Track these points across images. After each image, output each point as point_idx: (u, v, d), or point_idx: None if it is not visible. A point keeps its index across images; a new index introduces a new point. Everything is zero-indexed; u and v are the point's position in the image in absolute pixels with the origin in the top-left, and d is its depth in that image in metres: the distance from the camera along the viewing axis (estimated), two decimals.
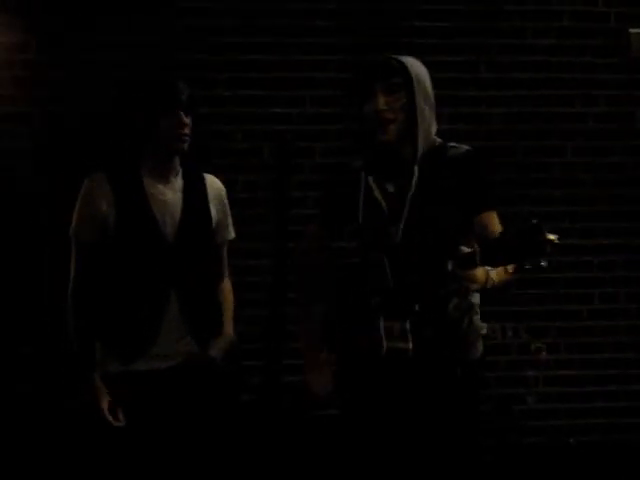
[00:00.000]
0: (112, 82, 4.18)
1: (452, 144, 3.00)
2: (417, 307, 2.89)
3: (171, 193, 3.16)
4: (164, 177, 3.16)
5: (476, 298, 3.00)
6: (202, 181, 3.26)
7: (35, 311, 4.20)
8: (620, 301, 4.52)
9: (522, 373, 4.48)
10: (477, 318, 3.01)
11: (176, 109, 3.10)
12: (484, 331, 3.02)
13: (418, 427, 2.91)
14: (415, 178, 2.93)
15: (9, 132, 4.27)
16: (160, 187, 3.15)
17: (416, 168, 2.94)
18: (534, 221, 2.55)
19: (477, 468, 2.95)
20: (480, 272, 2.76)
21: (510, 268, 2.75)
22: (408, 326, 2.88)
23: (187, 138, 3.12)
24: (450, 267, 2.72)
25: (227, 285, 3.36)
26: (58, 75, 4.29)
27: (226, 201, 3.31)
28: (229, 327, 3.28)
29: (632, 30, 4.51)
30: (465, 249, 2.70)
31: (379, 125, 2.93)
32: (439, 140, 3.01)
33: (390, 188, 3.00)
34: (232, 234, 3.36)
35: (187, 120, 3.12)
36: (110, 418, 3.05)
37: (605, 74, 4.53)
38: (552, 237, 2.54)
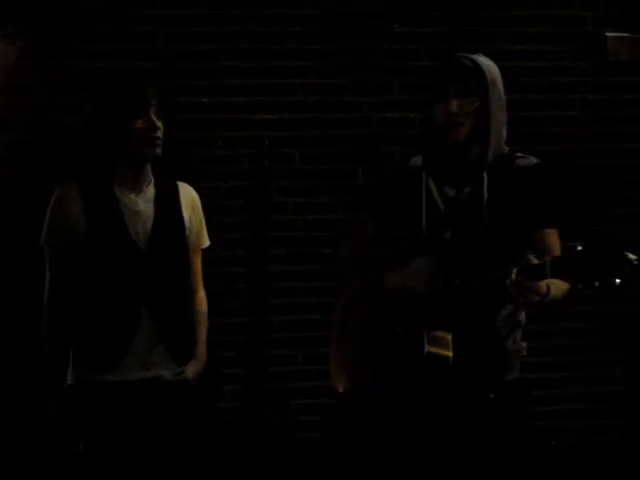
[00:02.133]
0: (84, 89, 4.15)
1: (520, 154, 2.92)
2: (464, 319, 2.80)
3: (143, 202, 3.14)
4: (136, 186, 3.13)
5: (523, 316, 2.92)
6: (175, 189, 3.22)
7: (10, 320, 4.16)
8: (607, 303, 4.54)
9: None
10: (519, 336, 2.93)
11: (147, 112, 3.05)
12: (524, 352, 2.94)
13: (445, 437, 2.83)
14: (485, 184, 2.85)
15: None
16: (132, 196, 3.13)
17: (485, 174, 2.86)
18: (617, 238, 2.48)
19: None
20: (543, 285, 2.63)
21: (565, 285, 2.65)
22: (450, 337, 2.79)
23: (159, 142, 3.08)
24: (514, 276, 2.61)
25: (201, 294, 3.31)
26: (29, 82, 4.25)
27: (200, 209, 3.28)
28: (202, 349, 3.23)
29: (609, 34, 4.53)
30: (534, 259, 2.61)
31: (449, 128, 2.84)
32: (507, 148, 2.93)
33: (449, 192, 2.92)
34: (207, 242, 3.32)
35: (159, 124, 3.08)
36: (68, 445, 3.04)
37: (582, 78, 4.54)
38: (632, 257, 2.46)
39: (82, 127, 3.90)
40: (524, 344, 2.94)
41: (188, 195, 3.25)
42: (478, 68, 2.86)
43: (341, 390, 2.98)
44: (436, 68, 2.95)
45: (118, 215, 3.09)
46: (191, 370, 3.16)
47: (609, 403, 4.50)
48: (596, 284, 2.47)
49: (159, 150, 3.09)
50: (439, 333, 2.80)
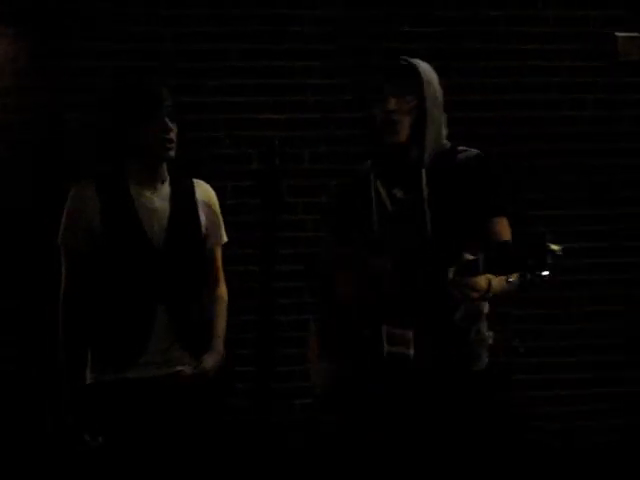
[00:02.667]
0: (97, 89, 4.16)
1: (462, 147, 2.98)
2: (423, 315, 2.85)
3: (158, 200, 3.16)
4: (151, 184, 3.15)
5: (485, 307, 2.97)
6: (191, 187, 3.25)
7: (26, 320, 4.17)
8: (610, 302, 4.54)
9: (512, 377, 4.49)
10: (484, 327, 2.97)
11: (161, 115, 3.09)
12: (490, 341, 2.97)
13: (415, 434, 2.88)
14: (424, 182, 2.91)
15: None
16: (147, 194, 3.15)
17: (423, 172, 2.92)
18: (540, 230, 2.53)
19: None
20: (482, 280, 2.70)
21: (513, 277, 2.68)
22: (411, 335, 2.85)
23: (173, 144, 3.11)
24: (450, 275, 2.68)
25: (222, 290, 3.35)
26: (42, 83, 4.26)
27: (217, 206, 3.30)
28: (220, 343, 3.26)
29: (619, 34, 4.52)
30: (469, 256, 2.66)
31: (387, 127, 2.91)
32: (449, 143, 2.99)
33: (398, 193, 2.98)
34: (224, 238, 3.35)
35: (172, 126, 3.11)
36: (88, 438, 3.04)
37: (593, 78, 4.54)
38: (555, 248, 2.51)
39: (97, 127, 3.93)
40: (490, 333, 2.98)
41: (204, 192, 3.28)
42: (413, 69, 2.96)
43: (319, 390, 3.06)
44: (373, 71, 3.06)
45: (134, 213, 3.11)
46: (209, 362, 3.18)
47: (610, 404, 4.50)
48: (528, 277, 2.54)
49: (173, 152, 3.13)
50: (399, 331, 2.86)
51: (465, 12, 4.49)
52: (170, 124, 3.10)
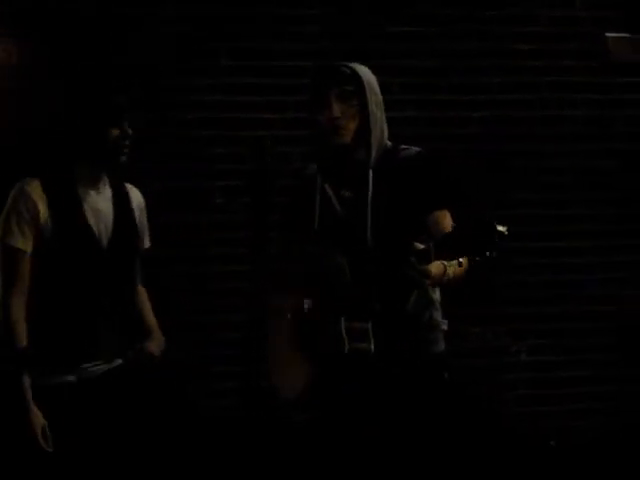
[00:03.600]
0: (54, 90, 4.13)
1: (403, 146, 3.08)
2: (378, 307, 2.94)
3: (103, 201, 3.20)
4: (95, 186, 3.19)
5: (436, 294, 3.08)
6: (126, 190, 3.31)
7: None
8: (600, 303, 4.55)
9: (502, 376, 4.49)
10: (437, 314, 3.08)
11: (122, 121, 3.15)
12: (445, 327, 3.08)
13: (383, 427, 2.96)
14: (370, 182, 3.00)
15: None
16: (93, 195, 3.18)
17: (370, 172, 3.02)
18: (486, 213, 2.65)
19: (445, 460, 3.01)
20: (436, 267, 2.83)
21: (464, 262, 2.79)
22: (369, 326, 2.93)
23: (128, 150, 3.17)
24: (412, 262, 2.78)
25: (142, 289, 3.40)
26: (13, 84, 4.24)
27: (145, 210, 3.37)
28: (157, 328, 3.34)
29: (609, 34, 4.53)
30: (419, 245, 2.76)
31: (333, 131, 3.00)
32: (390, 143, 3.09)
33: (346, 193, 3.07)
34: (148, 243, 3.40)
35: (130, 132, 3.17)
36: (42, 441, 3.02)
37: (583, 78, 4.55)
38: (501, 228, 2.62)
39: (48, 127, 3.90)
40: (444, 320, 3.09)
41: (136, 196, 3.34)
42: (355, 74, 3.04)
43: (282, 392, 3.11)
44: (314, 77, 3.10)
45: (82, 213, 3.14)
46: (153, 347, 3.25)
47: (605, 403, 4.51)
48: (477, 258, 2.66)
49: (126, 157, 3.19)
50: (357, 325, 2.93)
51: (458, 12, 4.49)
52: (129, 130, 3.16)
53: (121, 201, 3.25)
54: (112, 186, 3.24)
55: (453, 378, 3.09)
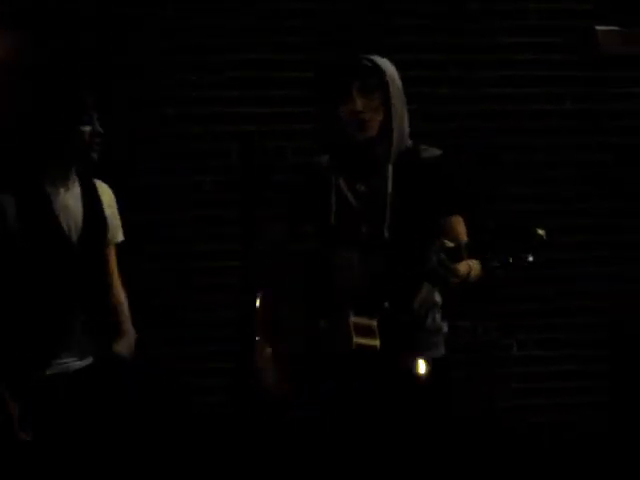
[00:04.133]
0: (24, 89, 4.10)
1: (424, 146, 3.04)
2: (386, 305, 2.92)
3: (72, 199, 3.23)
4: (64, 183, 3.21)
5: (437, 297, 3.06)
6: (94, 187, 3.33)
7: None
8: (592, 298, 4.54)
9: (494, 370, 4.49)
10: (439, 317, 3.07)
11: (92, 119, 3.18)
12: (445, 329, 3.07)
13: (386, 425, 2.95)
14: (390, 177, 2.97)
15: None
16: (62, 193, 3.21)
17: (390, 167, 2.98)
18: (526, 216, 2.58)
19: (446, 463, 3.00)
20: (463, 266, 2.79)
21: (478, 266, 2.79)
22: (376, 323, 2.90)
23: (99, 148, 3.20)
24: (435, 259, 2.73)
25: (118, 283, 3.40)
26: None
27: (115, 205, 3.38)
28: (129, 324, 3.35)
29: (598, 27, 4.52)
30: (449, 243, 2.73)
31: (357, 126, 2.95)
32: (410, 141, 3.05)
33: (361, 187, 3.03)
34: (121, 237, 3.41)
35: (101, 130, 3.19)
36: (20, 432, 3.05)
37: (571, 72, 4.54)
38: (541, 232, 2.59)
39: (15, 125, 3.86)
40: (444, 323, 3.08)
41: (106, 192, 3.36)
42: (377, 67, 2.99)
43: (279, 392, 3.09)
44: (335, 68, 3.07)
45: (51, 211, 3.16)
46: (123, 345, 3.29)
47: (593, 397, 4.50)
48: (510, 260, 2.61)
49: (96, 155, 3.21)
50: (364, 321, 2.90)
51: (447, 7, 4.48)
52: (100, 129, 3.19)
53: (90, 197, 3.28)
54: (81, 183, 3.27)
55: (452, 382, 3.10)
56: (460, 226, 2.95)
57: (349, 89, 2.96)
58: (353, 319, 2.90)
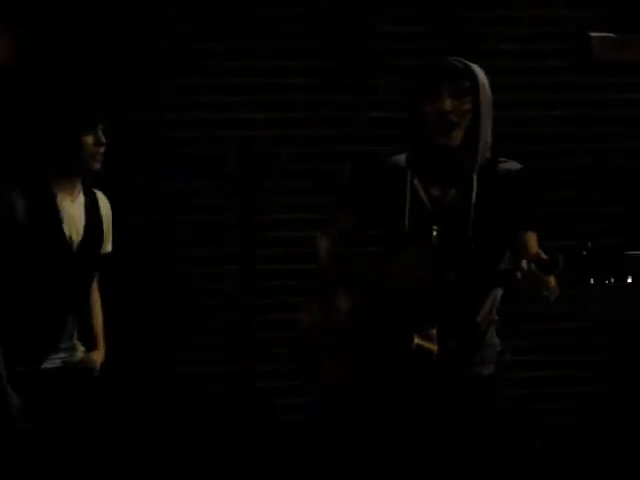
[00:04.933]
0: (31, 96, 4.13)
1: (503, 159, 2.97)
2: (450, 312, 2.85)
3: (77, 208, 3.29)
4: (70, 192, 3.28)
5: (494, 315, 2.99)
6: (96, 198, 3.39)
7: None
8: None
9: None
10: (494, 333, 3.00)
11: (96, 129, 3.21)
12: (499, 348, 3.01)
13: (430, 431, 2.90)
14: (474, 186, 2.89)
15: None
16: (68, 201, 3.27)
17: (475, 177, 2.91)
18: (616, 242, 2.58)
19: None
20: (553, 280, 2.74)
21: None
22: (435, 329, 2.85)
23: (102, 157, 3.24)
24: (525, 267, 2.69)
25: (96, 293, 3.50)
26: None
27: (110, 215, 3.43)
28: (102, 338, 3.48)
29: (593, 34, 4.55)
30: (543, 255, 2.70)
31: (442, 127, 2.86)
32: (489, 153, 2.97)
33: (435, 191, 2.96)
34: (110, 248, 3.47)
35: (104, 140, 3.23)
36: (20, 423, 3.14)
37: (566, 78, 4.56)
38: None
39: (25, 134, 3.88)
40: (498, 340, 3.01)
41: (103, 202, 3.42)
42: (469, 70, 2.91)
43: (328, 384, 3.02)
44: (425, 68, 2.97)
45: (57, 217, 3.23)
46: (97, 357, 3.43)
47: (594, 404, 4.52)
48: (611, 280, 2.58)
49: (99, 165, 3.25)
50: (427, 327, 2.84)
51: (443, 12, 4.50)
52: (103, 138, 3.23)
53: (92, 207, 3.34)
54: (85, 193, 3.33)
55: (500, 402, 3.05)
56: (535, 242, 2.89)
57: (439, 89, 2.85)
58: (416, 321, 2.84)
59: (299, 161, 4.41)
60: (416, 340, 2.83)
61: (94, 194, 3.38)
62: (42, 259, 3.22)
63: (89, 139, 3.21)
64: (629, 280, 2.56)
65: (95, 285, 3.47)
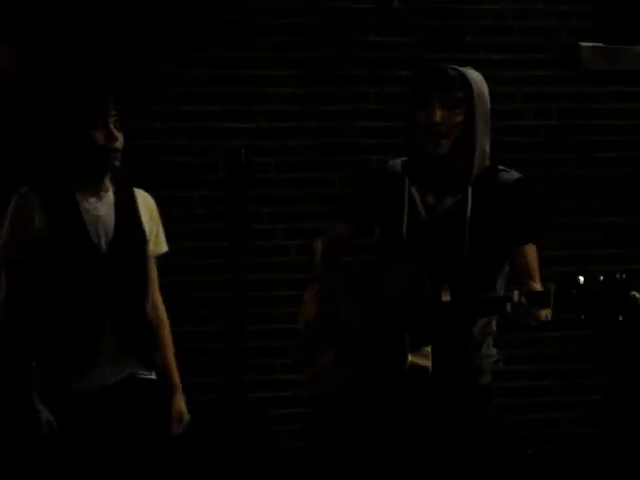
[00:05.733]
0: (43, 98, 4.12)
1: (502, 168, 2.91)
2: (446, 327, 2.80)
3: (103, 208, 3.13)
4: (96, 192, 3.13)
5: (494, 324, 2.95)
6: (133, 196, 3.23)
7: None
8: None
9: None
10: (491, 343, 2.95)
11: (106, 123, 3.06)
12: (496, 357, 2.97)
13: (428, 447, 2.85)
14: (470, 198, 2.83)
15: None
16: (92, 202, 3.12)
17: (470, 189, 2.84)
18: (622, 275, 2.45)
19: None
20: (546, 312, 2.64)
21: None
22: (430, 345, 2.79)
23: (118, 153, 3.08)
24: (516, 299, 2.63)
25: (159, 300, 3.30)
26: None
27: (158, 215, 3.28)
28: (169, 340, 3.26)
29: (583, 44, 4.56)
30: (537, 285, 2.65)
31: (431, 137, 2.80)
32: (488, 161, 2.91)
33: (431, 200, 2.90)
34: (165, 248, 3.30)
35: (117, 134, 3.07)
36: (48, 442, 3.00)
37: (556, 88, 4.57)
38: (638, 296, 2.46)
39: (40, 134, 3.88)
40: (495, 350, 2.97)
41: (146, 202, 3.26)
42: (464, 80, 2.82)
43: (327, 385, 2.97)
44: (419, 76, 2.90)
45: (79, 219, 3.08)
46: (181, 403, 3.23)
47: (590, 412, 4.53)
48: (604, 320, 2.51)
49: (117, 162, 3.10)
50: (422, 343, 2.78)
51: (432, 23, 4.50)
52: (115, 132, 3.07)
53: (125, 206, 3.16)
54: (116, 191, 3.17)
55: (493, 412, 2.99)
56: (533, 256, 2.82)
57: (431, 99, 2.78)
58: (410, 338, 2.77)
59: (287, 170, 4.41)
60: (410, 358, 2.77)
61: (130, 193, 3.20)
62: (68, 264, 3.04)
63: (99, 134, 3.05)
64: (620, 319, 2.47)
65: (154, 294, 3.25)
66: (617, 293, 2.46)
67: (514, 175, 2.90)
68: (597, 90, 4.59)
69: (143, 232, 3.19)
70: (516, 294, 2.65)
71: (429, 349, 2.78)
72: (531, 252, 2.84)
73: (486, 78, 4.42)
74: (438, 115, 2.78)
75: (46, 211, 3.06)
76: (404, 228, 2.88)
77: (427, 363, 2.78)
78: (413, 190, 2.90)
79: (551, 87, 4.56)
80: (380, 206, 2.95)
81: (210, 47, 4.37)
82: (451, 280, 2.78)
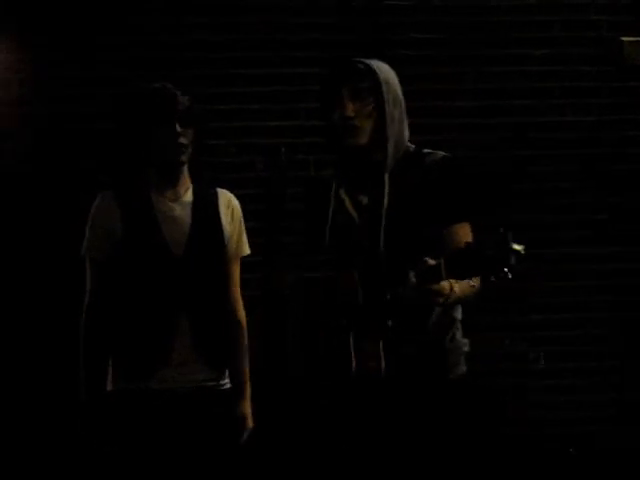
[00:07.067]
0: (111, 98, 4.17)
1: (427, 150, 2.87)
2: (390, 324, 2.73)
3: (180, 208, 3.14)
4: (172, 192, 3.15)
5: (458, 313, 2.87)
6: (214, 196, 3.22)
7: (46, 329, 4.17)
8: (616, 309, 4.52)
9: (520, 382, 4.47)
10: (459, 334, 2.88)
11: (171, 119, 3.07)
12: (467, 348, 2.89)
13: (393, 452, 2.77)
14: (386, 188, 2.80)
15: (10, 152, 4.24)
16: (168, 203, 3.14)
17: (386, 177, 2.81)
18: (500, 230, 2.41)
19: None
20: (445, 285, 2.57)
21: (474, 281, 2.58)
22: (381, 344, 2.71)
23: (183, 149, 3.08)
24: (412, 279, 2.57)
25: (239, 304, 3.29)
26: (59, 94, 4.28)
27: (240, 216, 3.27)
28: (248, 388, 3.23)
29: (624, 38, 4.52)
30: (430, 261, 2.55)
31: (347, 132, 2.80)
32: (412, 146, 2.89)
33: (363, 199, 2.87)
34: (247, 250, 3.30)
35: (182, 130, 3.07)
36: (100, 446, 3.05)
37: (597, 83, 4.53)
38: (518, 247, 2.41)
39: (115, 135, 3.93)
40: (465, 340, 2.90)
41: (228, 202, 3.26)
42: (369, 70, 2.81)
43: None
44: (327, 74, 2.89)
45: (154, 220, 3.10)
46: (245, 409, 3.22)
47: (607, 411, 4.48)
48: (492, 279, 2.43)
49: (184, 157, 3.10)
50: (367, 344, 2.72)
51: (469, 19, 4.48)
52: (179, 129, 3.07)
53: (204, 207, 3.17)
54: (195, 192, 3.18)
55: (475, 401, 2.91)
56: (466, 234, 2.76)
57: (340, 93, 2.79)
58: (355, 341, 2.71)
59: (326, 168, 4.40)
60: (354, 365, 2.70)
61: (212, 194, 3.21)
62: (142, 263, 3.07)
63: (163, 130, 3.06)
64: (508, 276, 2.40)
65: (234, 296, 3.25)
66: (499, 248, 2.41)
67: (439, 155, 2.85)
68: (638, 85, 4.54)
69: (221, 233, 3.19)
70: (411, 275, 2.58)
71: (380, 347, 2.70)
72: (461, 231, 2.77)
73: (528, 74, 4.46)
74: (350, 108, 2.79)
75: (123, 211, 3.11)
76: (327, 233, 2.85)
77: (378, 365, 2.70)
78: (342, 194, 2.88)
79: (591, 82, 4.52)
80: (316, 213, 2.92)
81: (249, 48, 4.39)
82: (365, 278, 2.72)
